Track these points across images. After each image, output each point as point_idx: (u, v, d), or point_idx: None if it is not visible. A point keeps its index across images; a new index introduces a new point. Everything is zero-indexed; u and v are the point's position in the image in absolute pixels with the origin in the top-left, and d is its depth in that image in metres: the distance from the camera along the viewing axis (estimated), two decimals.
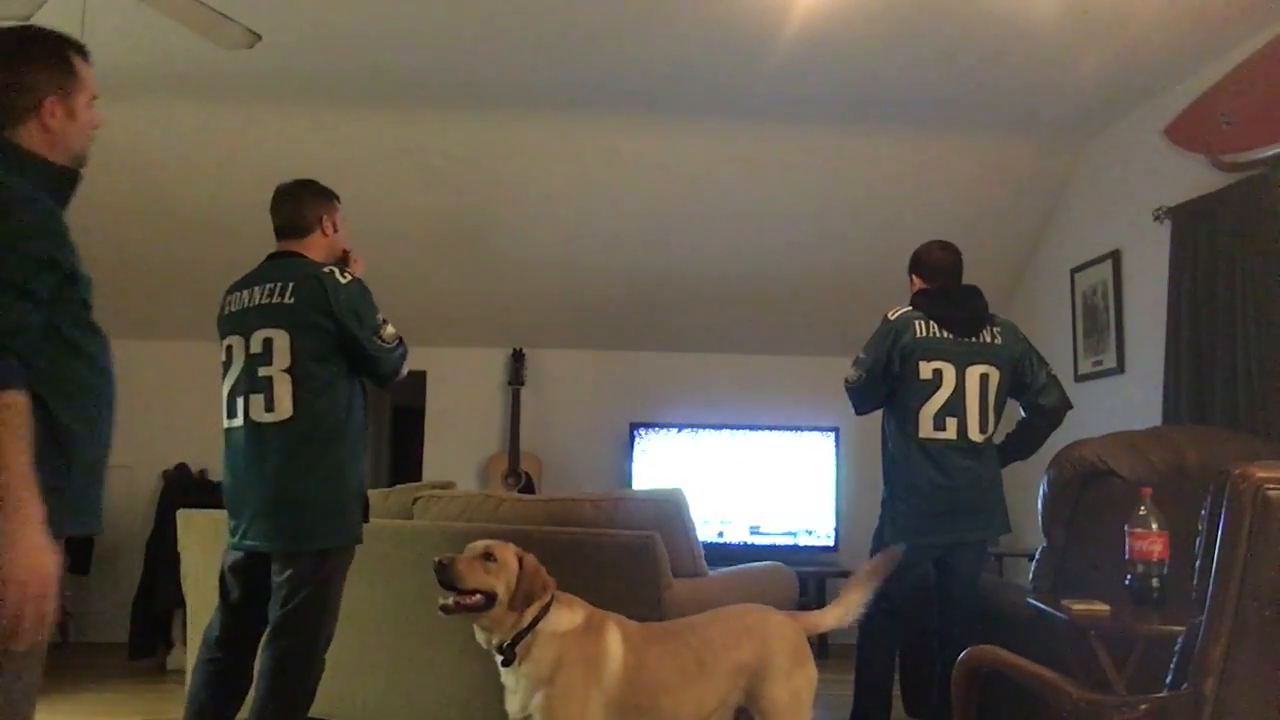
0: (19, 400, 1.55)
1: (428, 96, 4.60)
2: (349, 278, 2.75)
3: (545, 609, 2.32)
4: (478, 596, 2.25)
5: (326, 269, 2.74)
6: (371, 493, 2.67)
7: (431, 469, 5.92)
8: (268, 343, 2.68)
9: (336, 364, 2.71)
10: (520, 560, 2.31)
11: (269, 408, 2.67)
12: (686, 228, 5.38)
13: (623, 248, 5.48)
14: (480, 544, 2.34)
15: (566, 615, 2.34)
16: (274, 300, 2.70)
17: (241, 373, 2.73)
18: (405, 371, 2.88)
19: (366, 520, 2.75)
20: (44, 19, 3.21)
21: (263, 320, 2.70)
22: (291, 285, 2.70)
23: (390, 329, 2.77)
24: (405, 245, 5.27)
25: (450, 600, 2.24)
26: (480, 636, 2.35)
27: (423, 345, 5.90)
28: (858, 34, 3.87)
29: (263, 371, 2.68)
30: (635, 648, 2.36)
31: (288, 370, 2.67)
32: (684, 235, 5.42)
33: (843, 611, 2.65)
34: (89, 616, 5.63)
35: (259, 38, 3.31)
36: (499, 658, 2.32)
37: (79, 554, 5.44)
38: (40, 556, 1.53)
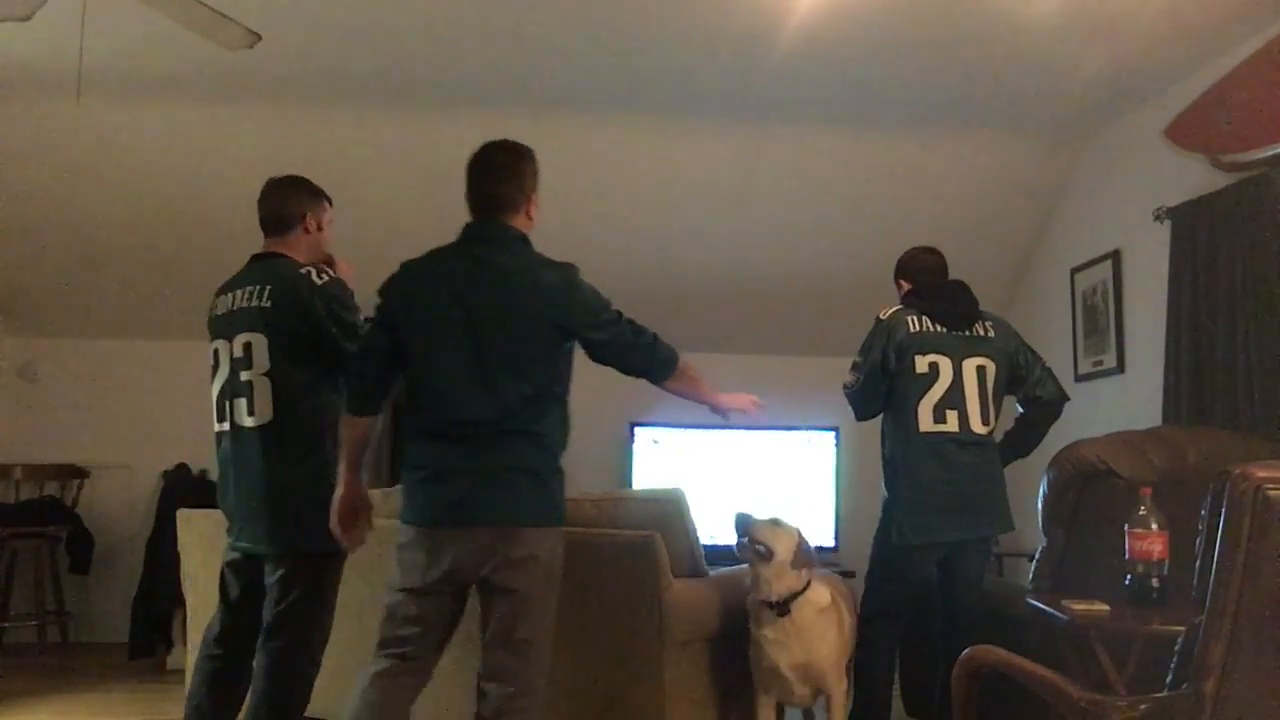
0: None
1: (428, 96, 4.60)
2: (326, 278, 2.73)
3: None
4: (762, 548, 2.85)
5: (304, 270, 2.73)
6: (371, 493, 2.66)
7: None
8: (248, 347, 2.69)
9: (317, 366, 2.71)
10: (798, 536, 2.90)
11: (251, 411, 2.68)
12: (686, 227, 5.37)
13: (622, 247, 5.47)
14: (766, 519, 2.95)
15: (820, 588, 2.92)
16: (252, 304, 2.70)
17: (226, 377, 2.74)
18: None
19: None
20: (44, 19, 3.23)
21: (243, 324, 2.70)
22: (269, 288, 2.70)
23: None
24: (405, 245, 5.21)
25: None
26: (765, 589, 2.86)
27: None
28: (858, 34, 3.86)
29: (244, 375, 2.69)
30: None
31: (267, 374, 2.67)
32: (684, 235, 5.41)
33: None
34: (89, 616, 5.63)
35: (259, 38, 3.31)
36: (774, 612, 2.82)
37: (79, 554, 5.44)
38: (742, 399, 2.83)
